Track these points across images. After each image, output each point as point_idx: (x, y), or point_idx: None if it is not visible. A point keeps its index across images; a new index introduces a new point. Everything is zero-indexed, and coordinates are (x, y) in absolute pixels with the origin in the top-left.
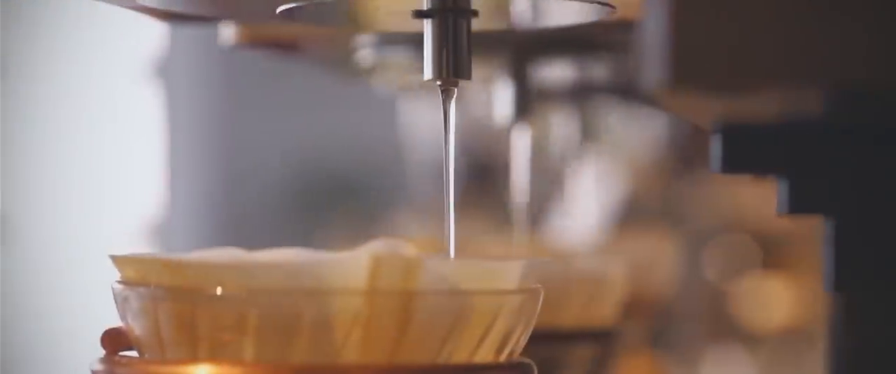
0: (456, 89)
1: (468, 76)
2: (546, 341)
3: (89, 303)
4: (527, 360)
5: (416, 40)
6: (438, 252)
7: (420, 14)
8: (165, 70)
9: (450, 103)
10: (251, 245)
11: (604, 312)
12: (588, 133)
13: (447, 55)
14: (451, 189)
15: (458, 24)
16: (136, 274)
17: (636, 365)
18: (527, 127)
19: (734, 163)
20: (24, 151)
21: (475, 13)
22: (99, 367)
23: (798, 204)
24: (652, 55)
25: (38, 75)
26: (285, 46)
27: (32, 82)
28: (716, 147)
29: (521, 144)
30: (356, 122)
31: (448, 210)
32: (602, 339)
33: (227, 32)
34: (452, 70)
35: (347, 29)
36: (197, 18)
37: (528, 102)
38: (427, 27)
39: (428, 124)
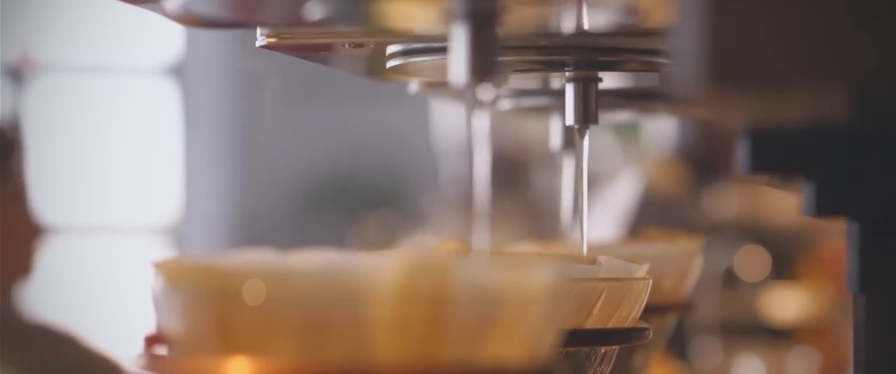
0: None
1: (497, 78)
2: (572, 341)
3: (102, 303)
4: (556, 361)
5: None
6: (469, 253)
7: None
8: (185, 70)
9: (480, 107)
10: (270, 247)
11: (629, 313)
12: (615, 136)
13: (479, 57)
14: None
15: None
16: (173, 276)
17: (660, 366)
18: (556, 131)
19: (762, 164)
20: (38, 150)
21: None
22: (138, 365)
23: (824, 206)
24: (687, 57)
25: (56, 76)
26: (312, 48)
27: (49, 83)
28: (744, 149)
29: (548, 150)
30: (381, 123)
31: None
32: (627, 340)
33: (255, 35)
34: (486, 71)
35: (373, 32)
36: (224, 24)
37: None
38: (459, 30)
39: (454, 126)
